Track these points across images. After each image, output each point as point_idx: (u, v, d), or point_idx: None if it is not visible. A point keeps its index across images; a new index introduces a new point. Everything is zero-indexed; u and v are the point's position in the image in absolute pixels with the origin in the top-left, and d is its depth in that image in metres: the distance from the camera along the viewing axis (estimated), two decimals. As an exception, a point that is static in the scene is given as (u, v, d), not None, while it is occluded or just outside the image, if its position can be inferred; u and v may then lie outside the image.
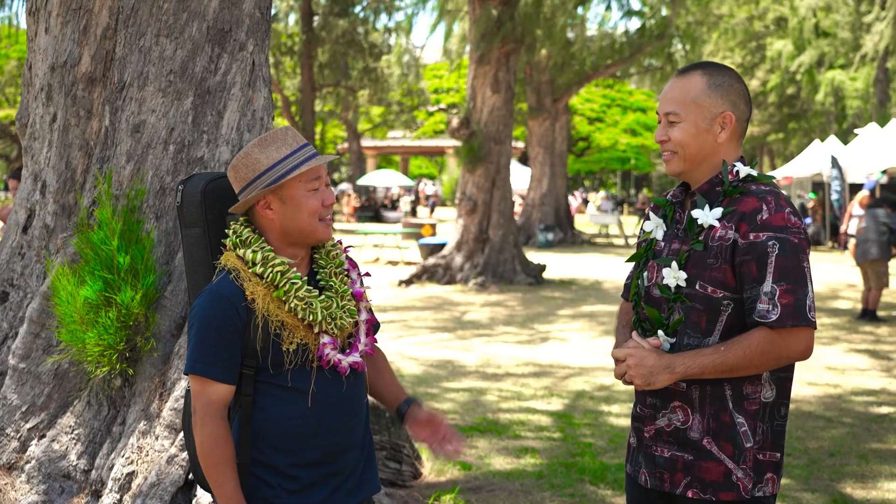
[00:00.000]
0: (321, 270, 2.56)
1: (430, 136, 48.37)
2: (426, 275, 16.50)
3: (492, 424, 6.73)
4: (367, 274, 2.71)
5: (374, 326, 2.68)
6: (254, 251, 2.46)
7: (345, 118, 43.08)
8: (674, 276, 2.40)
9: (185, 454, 3.86)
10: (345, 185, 46.45)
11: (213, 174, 2.76)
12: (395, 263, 20.18)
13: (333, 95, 38.86)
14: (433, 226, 24.51)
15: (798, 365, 8.97)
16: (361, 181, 41.93)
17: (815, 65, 34.45)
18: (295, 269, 2.49)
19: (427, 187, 54.22)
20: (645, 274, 2.53)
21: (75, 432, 4.16)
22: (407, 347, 9.98)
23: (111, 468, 3.99)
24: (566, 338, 10.91)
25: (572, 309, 13.52)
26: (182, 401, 3.97)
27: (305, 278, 2.49)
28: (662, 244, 2.51)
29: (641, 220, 2.63)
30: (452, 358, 9.51)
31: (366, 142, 49.50)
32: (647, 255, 2.55)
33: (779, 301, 2.27)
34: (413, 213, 41.30)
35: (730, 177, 2.42)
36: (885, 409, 7.37)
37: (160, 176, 4.23)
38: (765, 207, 2.32)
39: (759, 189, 2.38)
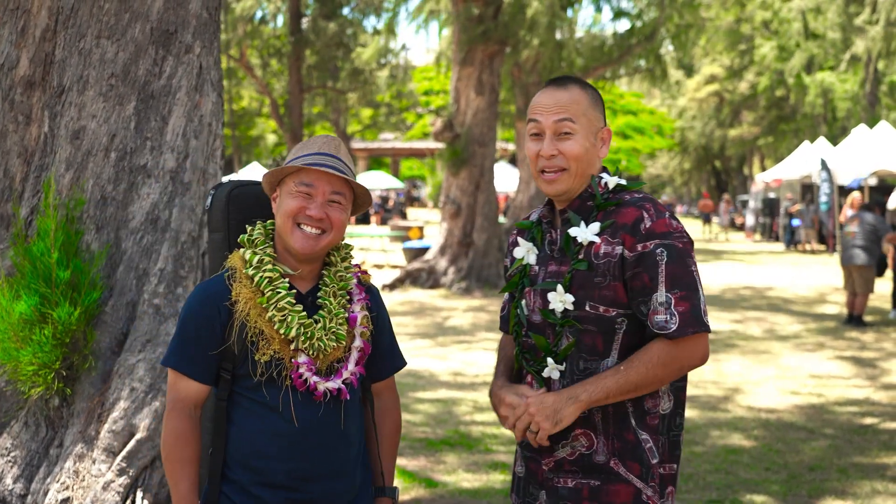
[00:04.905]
0: (324, 289, 2.44)
1: (420, 137, 48.20)
2: (410, 279, 16.30)
3: (463, 437, 6.53)
4: (369, 299, 2.53)
5: (393, 364, 2.59)
6: (254, 253, 2.40)
7: (334, 120, 42.89)
8: (560, 299, 2.27)
9: (122, 479, 3.67)
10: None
11: (246, 181, 2.65)
12: (380, 267, 19.98)
13: (322, 97, 38.63)
14: (420, 229, 24.33)
15: (782, 374, 8.76)
16: (351, 183, 41.58)
17: (805, 67, 34.35)
18: (288, 280, 2.39)
19: (422, 189, 54.06)
20: (523, 302, 2.40)
21: (12, 454, 3.95)
22: (384, 355, 9.77)
23: (46, 493, 3.79)
24: (547, 344, 10.71)
25: (556, 314, 13.33)
26: (121, 422, 3.78)
27: (294, 291, 2.39)
28: (537, 268, 2.38)
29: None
30: (429, 366, 9.31)
31: (356, 143, 49.26)
32: (522, 282, 2.42)
33: (675, 310, 2.19)
34: (403, 215, 41.08)
35: (599, 189, 2.33)
36: (868, 420, 7.19)
37: (101, 185, 4.03)
38: (646, 216, 2.25)
39: (633, 198, 2.30)
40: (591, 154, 2.34)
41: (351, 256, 2.53)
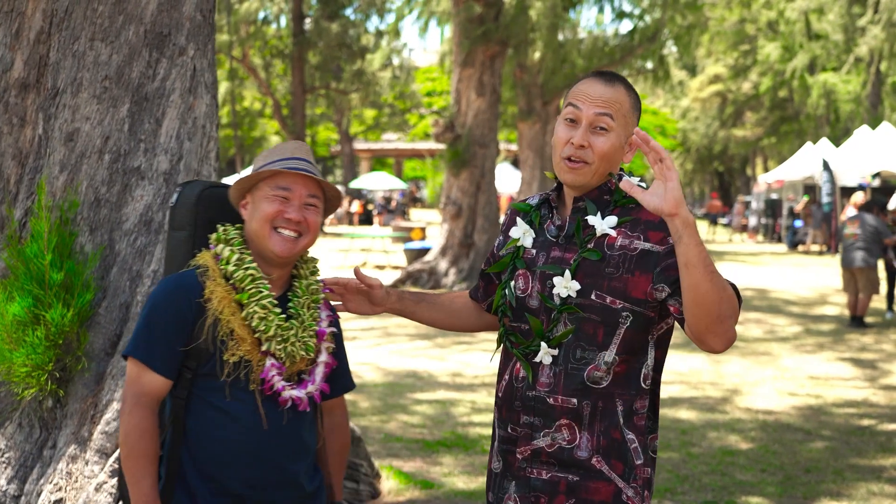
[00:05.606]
0: (295, 299, 2.44)
1: (423, 138, 48.23)
2: (410, 280, 16.30)
3: (460, 439, 6.54)
4: (337, 315, 2.58)
5: (345, 384, 2.60)
6: (232, 250, 2.36)
7: (336, 121, 42.91)
8: (566, 285, 2.25)
9: (114, 480, 3.68)
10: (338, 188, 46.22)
11: (217, 182, 2.64)
12: (381, 268, 19.99)
13: (325, 98, 38.66)
14: (423, 229, 24.33)
15: (780, 375, 8.77)
16: (354, 184, 41.71)
17: (807, 68, 34.32)
18: (267, 282, 2.38)
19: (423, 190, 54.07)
20: (513, 283, 2.37)
21: (6, 455, 3.96)
22: (383, 356, 9.77)
23: (40, 494, 3.80)
24: (547, 346, 10.70)
25: (556, 315, 13.31)
26: (114, 424, 3.79)
27: (274, 294, 2.39)
28: (534, 252, 2.36)
29: None
30: (428, 367, 9.31)
31: (359, 144, 49.29)
32: (513, 263, 2.39)
33: None
34: (405, 216, 41.11)
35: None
36: (865, 422, 7.19)
37: (95, 186, 4.04)
38: None
39: None
40: (618, 156, 2.31)
41: (318, 272, 2.54)
